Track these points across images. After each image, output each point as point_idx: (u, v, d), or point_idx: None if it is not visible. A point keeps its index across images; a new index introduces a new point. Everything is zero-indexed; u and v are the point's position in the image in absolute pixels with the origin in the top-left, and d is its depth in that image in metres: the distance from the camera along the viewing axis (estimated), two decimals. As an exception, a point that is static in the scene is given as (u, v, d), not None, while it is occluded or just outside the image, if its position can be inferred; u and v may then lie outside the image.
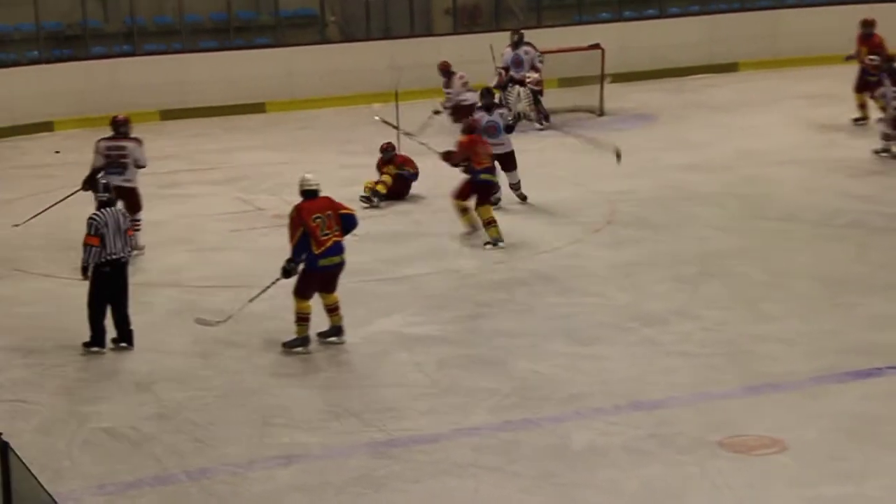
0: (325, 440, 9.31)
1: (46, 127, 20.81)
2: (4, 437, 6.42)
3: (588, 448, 8.98)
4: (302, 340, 11.02)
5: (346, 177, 16.26)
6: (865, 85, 18.83)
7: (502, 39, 20.17)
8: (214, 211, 15.66)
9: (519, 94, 19.88)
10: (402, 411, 9.71)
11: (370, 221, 14.56)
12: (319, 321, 11.12)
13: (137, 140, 13.89)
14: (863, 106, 19.02)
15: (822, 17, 24.40)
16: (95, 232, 10.94)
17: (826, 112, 19.96)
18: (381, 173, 15.87)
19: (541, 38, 20.60)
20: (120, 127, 13.85)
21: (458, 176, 14.27)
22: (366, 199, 15.48)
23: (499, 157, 15.14)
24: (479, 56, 20.13)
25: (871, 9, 20.81)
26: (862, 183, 16.02)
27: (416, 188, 15.83)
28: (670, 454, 8.84)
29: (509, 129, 15.26)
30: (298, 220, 10.86)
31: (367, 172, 15.97)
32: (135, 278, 11.65)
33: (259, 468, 8.87)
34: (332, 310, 11.13)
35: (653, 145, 18.38)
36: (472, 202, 14.09)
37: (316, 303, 11.06)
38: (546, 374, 10.36)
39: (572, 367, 10.47)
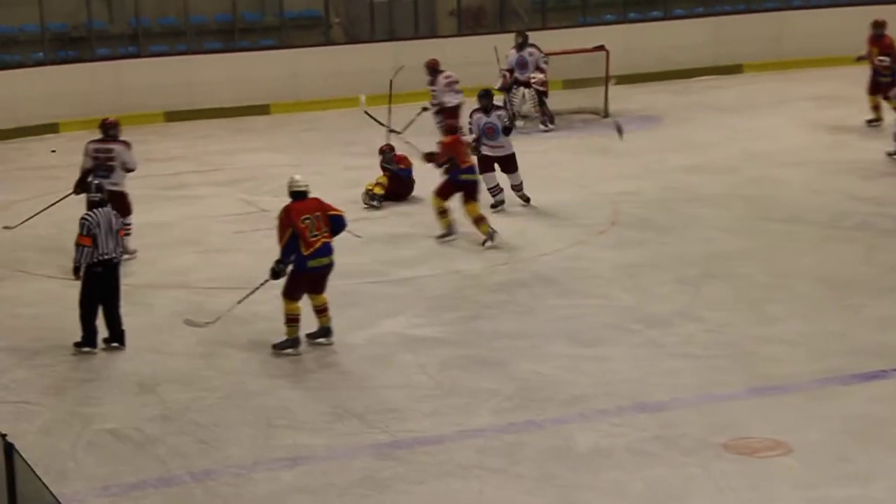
0: (328, 442, 9.30)
1: (52, 128, 20.75)
2: (9, 439, 6.42)
3: (592, 450, 8.98)
4: (292, 342, 10.97)
5: (351, 178, 16.27)
6: (878, 86, 18.78)
7: (507, 41, 20.18)
8: (219, 212, 15.64)
9: (524, 96, 19.91)
10: (405, 413, 9.71)
11: (372, 223, 14.57)
12: (319, 322, 11.13)
13: (126, 143, 13.70)
14: (877, 107, 18.94)
15: (827, 19, 24.38)
16: (87, 232, 10.92)
17: (833, 114, 19.91)
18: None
19: (545, 39, 20.59)
20: (108, 129, 13.67)
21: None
22: (367, 202, 15.47)
23: (499, 159, 15.11)
24: (483, 58, 20.16)
25: (876, 10, 20.71)
26: (871, 185, 15.91)
27: (417, 190, 15.80)
28: (674, 456, 8.83)
29: (507, 130, 15.12)
30: (287, 221, 10.81)
31: (372, 174, 15.95)
32: (144, 279, 11.64)
33: (263, 469, 8.87)
34: (321, 311, 11.08)
35: (658, 147, 18.34)
36: (454, 204, 13.98)
37: (304, 303, 11.02)
38: (549, 375, 10.34)
39: (575, 369, 10.45)
